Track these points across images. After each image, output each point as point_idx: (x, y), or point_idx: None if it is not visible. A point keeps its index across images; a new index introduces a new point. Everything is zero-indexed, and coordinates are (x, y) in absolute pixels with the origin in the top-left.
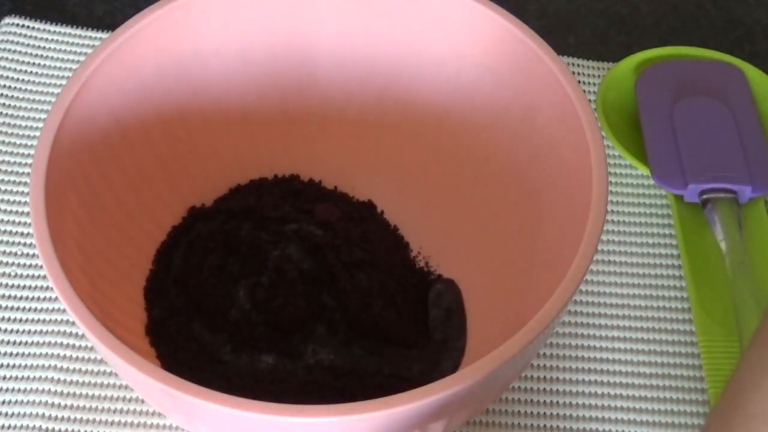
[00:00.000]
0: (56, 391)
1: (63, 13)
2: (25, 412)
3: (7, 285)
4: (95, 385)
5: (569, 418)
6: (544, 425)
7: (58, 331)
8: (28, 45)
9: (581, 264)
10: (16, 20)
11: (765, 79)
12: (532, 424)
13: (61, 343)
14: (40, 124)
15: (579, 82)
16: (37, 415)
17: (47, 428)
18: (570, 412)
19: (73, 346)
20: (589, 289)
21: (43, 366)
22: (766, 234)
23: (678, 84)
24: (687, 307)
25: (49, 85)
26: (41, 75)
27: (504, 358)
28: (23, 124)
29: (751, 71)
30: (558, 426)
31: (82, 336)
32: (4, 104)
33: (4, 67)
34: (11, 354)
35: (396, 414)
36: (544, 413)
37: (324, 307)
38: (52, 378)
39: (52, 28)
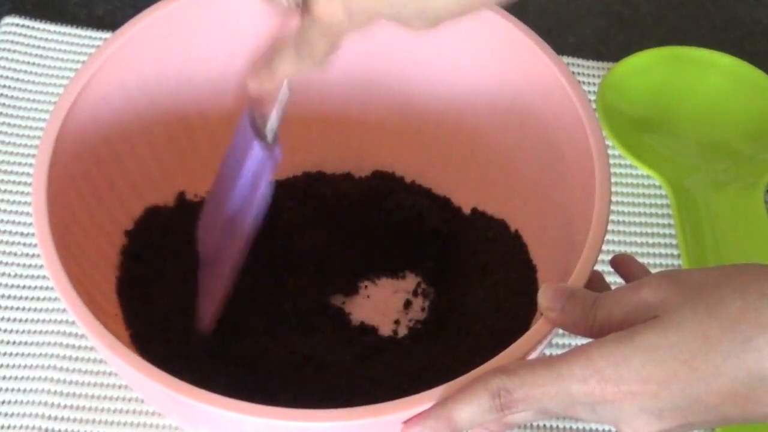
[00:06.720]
0: (56, 391)
1: (63, 13)
2: (25, 412)
3: (7, 285)
4: (95, 385)
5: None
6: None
7: (58, 331)
8: (28, 45)
9: (584, 268)
10: (16, 20)
11: (765, 79)
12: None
13: (61, 343)
14: (41, 124)
15: (579, 82)
16: (37, 415)
17: (47, 428)
18: None
19: (73, 346)
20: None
21: (43, 366)
22: (763, 224)
23: None
24: None
25: (49, 85)
26: (41, 75)
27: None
28: (23, 124)
29: (751, 71)
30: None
31: (82, 336)
32: (4, 104)
33: (4, 67)
34: (11, 354)
35: (404, 417)
36: None
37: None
38: (52, 378)
39: (52, 28)
